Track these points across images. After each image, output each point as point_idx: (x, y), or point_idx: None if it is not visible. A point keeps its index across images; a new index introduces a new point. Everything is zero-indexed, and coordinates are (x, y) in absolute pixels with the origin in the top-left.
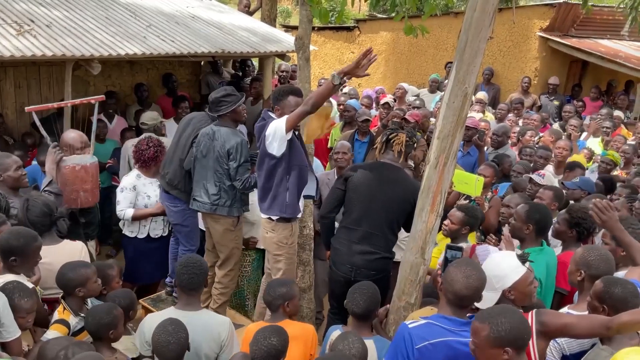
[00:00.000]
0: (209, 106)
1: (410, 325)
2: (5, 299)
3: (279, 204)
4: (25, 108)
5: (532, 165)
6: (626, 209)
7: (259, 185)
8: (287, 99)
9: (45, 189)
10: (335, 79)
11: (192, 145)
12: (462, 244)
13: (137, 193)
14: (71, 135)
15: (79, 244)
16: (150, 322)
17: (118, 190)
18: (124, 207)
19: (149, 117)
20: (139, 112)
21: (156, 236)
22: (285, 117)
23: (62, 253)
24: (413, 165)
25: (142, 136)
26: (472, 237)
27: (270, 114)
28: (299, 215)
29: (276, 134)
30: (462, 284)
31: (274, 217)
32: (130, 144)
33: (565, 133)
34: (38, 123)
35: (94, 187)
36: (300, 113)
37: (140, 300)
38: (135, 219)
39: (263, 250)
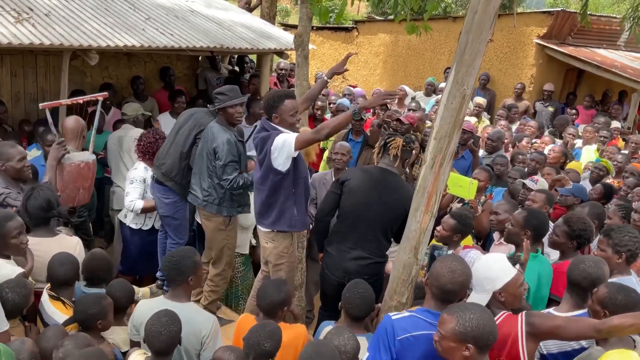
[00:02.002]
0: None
1: (393, 317)
2: None
3: (288, 219)
4: (40, 105)
5: (525, 170)
6: (618, 217)
7: (260, 199)
8: (284, 104)
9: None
10: (356, 115)
11: (195, 140)
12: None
13: (147, 185)
14: (71, 120)
15: (74, 240)
16: (141, 308)
17: (127, 182)
18: (134, 199)
19: (132, 108)
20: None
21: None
22: (294, 136)
23: (56, 247)
24: (409, 169)
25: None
26: (469, 241)
27: (272, 124)
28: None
29: (283, 150)
30: (447, 278)
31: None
32: (116, 136)
33: (562, 141)
34: (50, 120)
35: (90, 185)
36: (312, 140)
37: None
38: (144, 210)
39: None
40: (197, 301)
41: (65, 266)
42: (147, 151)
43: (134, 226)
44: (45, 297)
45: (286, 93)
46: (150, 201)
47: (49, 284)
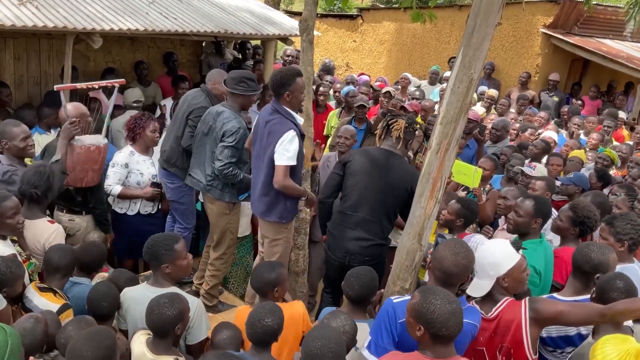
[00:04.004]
0: (228, 80)
1: (395, 301)
2: None
3: (279, 211)
4: (55, 87)
5: (527, 154)
6: (627, 207)
7: (256, 186)
8: (296, 82)
9: (51, 164)
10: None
11: (186, 122)
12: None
13: (130, 170)
14: (70, 106)
15: (53, 226)
16: (124, 295)
17: (110, 164)
18: (112, 183)
19: (138, 94)
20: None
21: (146, 213)
22: (287, 165)
23: (29, 230)
24: (412, 155)
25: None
26: None
27: (283, 106)
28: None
29: (281, 159)
30: (450, 261)
31: None
32: (122, 121)
33: (568, 131)
34: (64, 103)
35: (100, 168)
36: (288, 187)
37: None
38: (122, 197)
39: (250, 235)
40: (200, 285)
41: (60, 253)
42: (132, 130)
43: (119, 210)
44: (32, 292)
45: (297, 71)
46: (130, 190)
47: (35, 281)
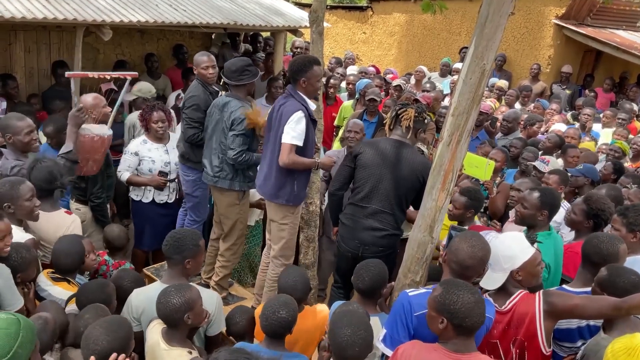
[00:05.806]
0: (228, 74)
1: (410, 294)
2: (8, 270)
3: (286, 194)
4: (66, 73)
5: (540, 147)
6: (639, 199)
7: (263, 169)
8: (313, 69)
9: (62, 155)
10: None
11: (182, 116)
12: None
13: (142, 158)
14: (90, 97)
15: (70, 218)
16: (137, 297)
17: (123, 152)
18: (121, 170)
19: (147, 88)
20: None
21: (161, 202)
22: (292, 143)
23: (50, 223)
24: (425, 147)
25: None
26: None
27: (298, 92)
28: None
29: (287, 138)
30: (466, 253)
31: None
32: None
33: (579, 123)
34: (73, 89)
35: (101, 158)
36: (294, 162)
37: (144, 269)
38: (129, 184)
39: (260, 226)
40: (209, 278)
41: (72, 257)
42: (141, 121)
43: (135, 197)
44: (46, 282)
45: (314, 59)
46: (136, 177)
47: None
